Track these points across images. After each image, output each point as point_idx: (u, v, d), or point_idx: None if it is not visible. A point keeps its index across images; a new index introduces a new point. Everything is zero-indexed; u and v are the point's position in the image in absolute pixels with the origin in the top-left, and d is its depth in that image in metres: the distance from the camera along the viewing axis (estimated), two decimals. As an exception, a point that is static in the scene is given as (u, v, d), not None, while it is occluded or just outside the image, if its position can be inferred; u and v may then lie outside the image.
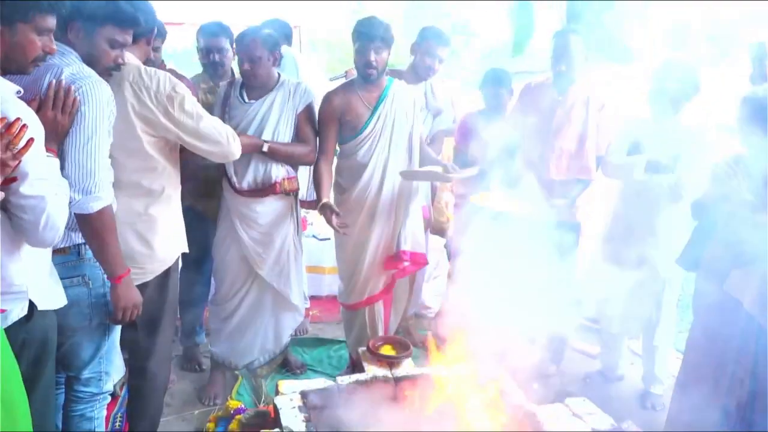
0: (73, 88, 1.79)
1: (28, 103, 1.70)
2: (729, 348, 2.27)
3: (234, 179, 2.89)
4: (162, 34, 2.85)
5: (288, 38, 3.79)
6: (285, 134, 2.90)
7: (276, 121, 2.87)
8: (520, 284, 3.13)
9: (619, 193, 3.09)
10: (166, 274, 2.34)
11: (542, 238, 3.04)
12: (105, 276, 2.00)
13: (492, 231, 3.22)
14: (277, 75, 2.92)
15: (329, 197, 2.91)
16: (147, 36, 2.23)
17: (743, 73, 2.67)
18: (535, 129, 3.14)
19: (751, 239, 2.18)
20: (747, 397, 2.24)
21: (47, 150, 1.69)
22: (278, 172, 2.91)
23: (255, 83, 2.85)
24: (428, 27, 3.40)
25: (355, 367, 2.92)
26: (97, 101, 1.83)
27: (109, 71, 2.00)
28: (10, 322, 1.64)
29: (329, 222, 2.82)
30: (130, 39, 2.00)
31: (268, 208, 2.94)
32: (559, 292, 3.10)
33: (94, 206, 1.85)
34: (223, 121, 2.82)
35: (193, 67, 3.45)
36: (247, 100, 2.87)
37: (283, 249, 3.00)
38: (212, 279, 3.24)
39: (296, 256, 3.08)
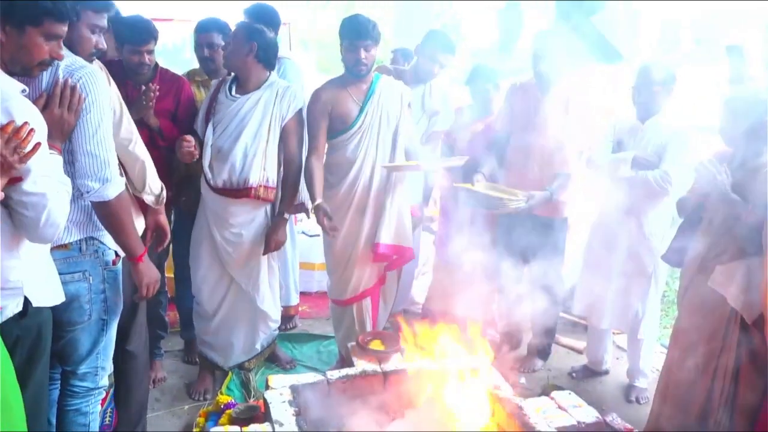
0: (78, 85, 1.79)
1: (34, 101, 1.71)
2: (713, 343, 2.31)
3: (209, 175, 2.85)
4: (154, 36, 2.83)
5: (272, 25, 3.60)
6: (267, 139, 2.83)
7: (258, 122, 2.81)
8: (509, 278, 3.18)
9: (605, 189, 3.13)
10: None
11: (531, 233, 3.09)
12: (105, 272, 2.03)
13: (479, 220, 3.26)
14: (267, 74, 2.88)
15: (322, 196, 2.83)
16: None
17: (725, 74, 2.73)
18: (520, 128, 3.19)
19: (735, 236, 2.23)
20: (730, 391, 2.28)
21: (51, 147, 1.69)
22: (255, 177, 2.83)
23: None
24: (435, 31, 3.38)
25: (345, 362, 2.93)
26: (98, 91, 1.85)
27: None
28: (4, 318, 1.64)
29: (320, 223, 2.78)
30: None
31: (240, 208, 2.90)
32: (547, 287, 3.16)
33: (112, 192, 1.88)
34: (208, 115, 2.85)
35: (183, 64, 3.45)
36: (233, 95, 2.84)
37: (254, 252, 2.95)
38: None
39: (270, 263, 3.04)
